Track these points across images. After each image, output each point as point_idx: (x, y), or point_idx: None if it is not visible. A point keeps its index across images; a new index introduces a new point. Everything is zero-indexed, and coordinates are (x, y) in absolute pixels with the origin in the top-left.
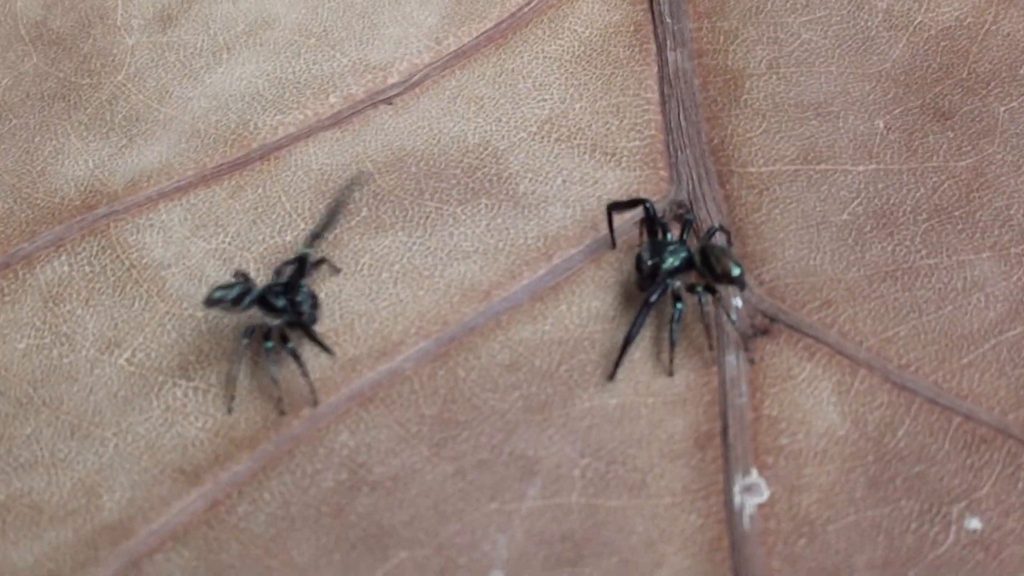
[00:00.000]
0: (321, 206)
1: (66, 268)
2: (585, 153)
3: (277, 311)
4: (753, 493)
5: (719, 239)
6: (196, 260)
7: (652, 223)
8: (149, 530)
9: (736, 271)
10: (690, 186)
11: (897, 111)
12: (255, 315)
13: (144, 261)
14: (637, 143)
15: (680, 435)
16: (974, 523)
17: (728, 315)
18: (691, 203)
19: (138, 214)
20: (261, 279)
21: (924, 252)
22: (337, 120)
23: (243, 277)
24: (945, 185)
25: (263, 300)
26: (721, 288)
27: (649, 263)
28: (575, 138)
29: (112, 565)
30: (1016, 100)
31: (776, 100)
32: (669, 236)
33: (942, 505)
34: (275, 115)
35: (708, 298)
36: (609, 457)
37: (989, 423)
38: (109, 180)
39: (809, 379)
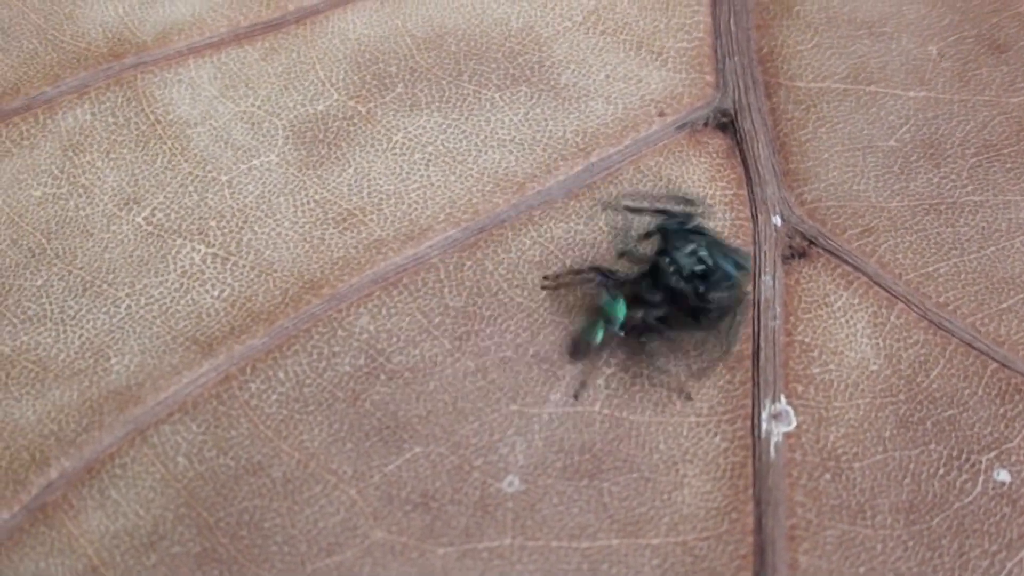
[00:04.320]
0: (368, 77)
1: (88, 117)
2: (631, 49)
3: (655, 305)
4: (781, 421)
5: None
6: (223, 121)
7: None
8: (157, 399)
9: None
10: (736, 95)
11: (952, 38)
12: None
13: (169, 117)
14: (684, 44)
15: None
16: (1003, 475)
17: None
18: (736, 112)
19: (166, 67)
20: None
21: (970, 188)
22: None
23: (597, 273)
24: (996, 120)
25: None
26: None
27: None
28: (621, 32)
29: (117, 431)
30: None
31: (829, 14)
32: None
33: (972, 453)
34: None
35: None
36: (636, 370)
37: None
38: (139, 29)
39: (845, 308)
